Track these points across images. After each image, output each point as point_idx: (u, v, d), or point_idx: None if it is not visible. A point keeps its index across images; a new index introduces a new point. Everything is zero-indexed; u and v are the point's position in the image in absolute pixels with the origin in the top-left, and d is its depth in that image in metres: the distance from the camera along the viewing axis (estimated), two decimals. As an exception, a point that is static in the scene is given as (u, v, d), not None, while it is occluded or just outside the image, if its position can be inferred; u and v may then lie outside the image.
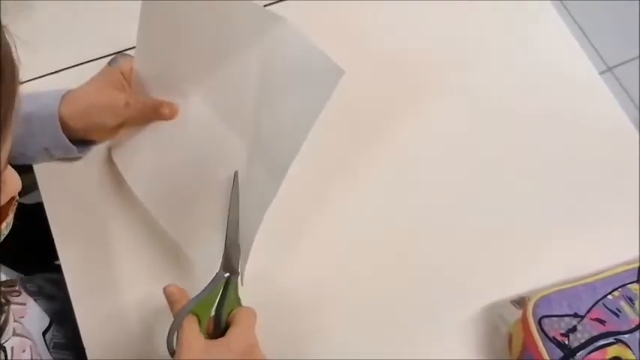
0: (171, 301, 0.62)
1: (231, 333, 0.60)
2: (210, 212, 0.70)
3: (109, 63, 0.80)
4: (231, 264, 0.64)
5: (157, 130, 0.75)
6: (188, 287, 0.63)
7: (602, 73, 1.83)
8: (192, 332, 0.59)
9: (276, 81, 0.65)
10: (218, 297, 0.63)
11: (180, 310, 0.60)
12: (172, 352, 0.59)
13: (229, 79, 0.70)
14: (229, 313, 0.62)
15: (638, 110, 1.80)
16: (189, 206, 0.72)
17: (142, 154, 0.76)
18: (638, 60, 1.87)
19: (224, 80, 0.70)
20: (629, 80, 1.84)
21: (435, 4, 0.91)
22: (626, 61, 1.88)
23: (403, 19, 0.90)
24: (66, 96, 0.72)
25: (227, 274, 0.64)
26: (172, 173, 0.74)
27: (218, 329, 0.62)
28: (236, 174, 0.68)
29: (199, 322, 0.60)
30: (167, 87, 0.73)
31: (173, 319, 0.60)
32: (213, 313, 0.62)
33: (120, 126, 0.75)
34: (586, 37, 1.86)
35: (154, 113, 0.73)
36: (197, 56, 0.70)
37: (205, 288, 0.62)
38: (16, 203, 0.52)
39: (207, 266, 0.67)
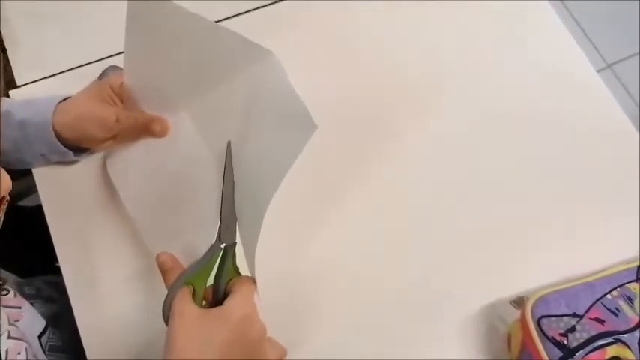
0: (163, 269, 0.63)
1: (228, 302, 0.60)
2: (191, 233, 0.70)
3: (100, 76, 0.80)
4: (227, 234, 0.65)
5: (149, 143, 0.75)
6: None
7: (601, 70, 1.83)
8: (186, 301, 0.59)
9: (257, 118, 0.66)
10: (215, 267, 0.63)
11: (174, 281, 0.61)
12: (167, 322, 0.60)
13: (214, 104, 0.71)
14: (227, 282, 0.63)
15: (637, 107, 1.80)
16: (173, 224, 0.72)
17: (133, 167, 0.76)
18: (637, 57, 1.87)
19: (209, 104, 0.71)
20: (629, 77, 1.84)
21: (432, 5, 0.91)
22: (626, 58, 1.88)
23: (402, 21, 0.90)
24: (59, 105, 0.72)
25: (224, 244, 0.64)
26: (160, 189, 0.74)
27: (217, 298, 0.63)
28: (229, 144, 0.68)
29: (195, 292, 0.61)
30: (158, 102, 0.73)
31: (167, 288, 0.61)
32: (211, 282, 0.63)
33: (112, 137, 0.75)
34: (585, 34, 1.86)
35: (144, 130, 0.73)
36: (185, 77, 0.71)
37: (200, 258, 0.63)
38: (7, 203, 0.52)
39: None
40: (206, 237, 0.66)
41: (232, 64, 0.68)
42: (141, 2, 0.63)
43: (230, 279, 0.63)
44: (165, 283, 0.62)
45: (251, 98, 0.67)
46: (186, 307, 0.58)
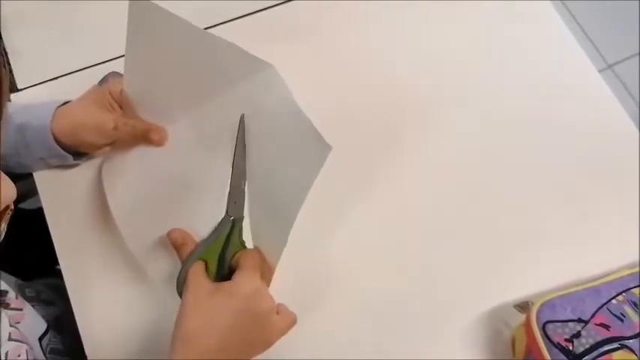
0: (176, 245, 0.65)
1: (236, 277, 0.61)
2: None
3: (100, 82, 0.80)
4: (235, 208, 0.66)
5: (146, 151, 0.75)
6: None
7: (602, 70, 1.83)
8: (200, 276, 0.61)
9: (260, 131, 0.67)
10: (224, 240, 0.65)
11: (188, 256, 0.63)
12: (182, 296, 0.61)
13: (213, 114, 0.71)
14: (233, 256, 0.64)
15: (638, 108, 1.80)
16: (157, 231, 0.71)
17: (127, 173, 0.75)
18: (637, 57, 1.88)
19: (208, 114, 0.72)
20: (629, 77, 1.85)
21: (432, 6, 0.91)
22: (626, 59, 1.89)
23: (402, 22, 0.90)
24: (57, 110, 0.72)
25: (232, 218, 0.65)
26: (150, 196, 0.73)
27: (222, 272, 0.64)
28: (242, 117, 0.68)
29: (207, 266, 0.62)
30: (157, 111, 0.74)
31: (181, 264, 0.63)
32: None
33: (111, 143, 0.75)
34: (586, 34, 1.86)
35: (143, 138, 0.74)
36: (184, 87, 0.71)
37: (212, 233, 0.64)
38: (11, 212, 0.51)
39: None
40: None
41: (232, 76, 0.69)
42: (142, 2, 0.62)
43: (235, 252, 0.64)
44: (180, 258, 0.64)
45: (251, 110, 0.68)
46: (200, 282, 0.60)
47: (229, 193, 0.66)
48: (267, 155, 0.67)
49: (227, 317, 0.58)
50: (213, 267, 0.63)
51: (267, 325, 0.61)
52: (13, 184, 0.49)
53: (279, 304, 0.63)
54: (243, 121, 0.68)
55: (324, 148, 0.58)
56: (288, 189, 0.63)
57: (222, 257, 0.64)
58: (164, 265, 0.70)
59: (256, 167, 0.67)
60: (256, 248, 0.65)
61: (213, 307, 0.58)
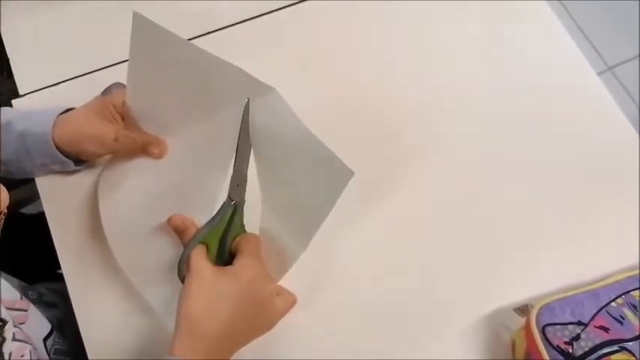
0: (178, 231, 0.66)
1: (238, 262, 0.62)
2: (166, 256, 0.70)
3: (103, 93, 0.80)
4: (237, 192, 0.67)
5: (144, 163, 0.76)
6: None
7: (602, 72, 1.83)
8: (201, 260, 0.62)
9: (266, 151, 0.68)
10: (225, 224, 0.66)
11: (190, 240, 0.64)
12: (183, 280, 0.62)
13: (213, 131, 0.72)
14: (233, 239, 0.65)
15: (638, 110, 1.80)
16: (148, 246, 0.72)
17: (123, 184, 0.76)
18: (638, 59, 1.87)
19: (208, 130, 0.73)
20: (630, 80, 1.85)
21: (431, 8, 0.91)
22: (626, 61, 1.88)
23: (401, 23, 0.90)
24: (59, 118, 0.73)
25: (234, 202, 0.66)
26: (143, 209, 0.74)
27: (223, 255, 0.65)
28: (248, 101, 0.69)
29: (208, 249, 0.64)
30: (158, 124, 0.75)
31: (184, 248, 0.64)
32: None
33: (111, 153, 0.76)
34: (585, 36, 1.86)
35: (142, 151, 0.75)
36: (185, 104, 0.72)
37: (214, 217, 0.65)
38: (4, 216, 0.52)
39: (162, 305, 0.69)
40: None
41: (233, 97, 0.69)
42: (145, 18, 0.63)
43: (236, 236, 0.65)
44: (182, 243, 0.65)
45: (252, 130, 0.69)
46: (203, 265, 0.61)
47: (232, 176, 0.67)
48: (279, 176, 0.68)
49: (231, 302, 0.60)
50: (214, 251, 0.64)
51: (269, 307, 0.63)
52: (6, 190, 0.51)
53: (278, 285, 0.65)
54: (248, 105, 0.69)
55: (346, 173, 0.59)
56: (306, 210, 0.65)
57: (223, 241, 0.65)
58: (153, 279, 0.71)
59: (269, 186, 0.68)
60: (255, 234, 0.67)
61: (217, 291, 0.60)
